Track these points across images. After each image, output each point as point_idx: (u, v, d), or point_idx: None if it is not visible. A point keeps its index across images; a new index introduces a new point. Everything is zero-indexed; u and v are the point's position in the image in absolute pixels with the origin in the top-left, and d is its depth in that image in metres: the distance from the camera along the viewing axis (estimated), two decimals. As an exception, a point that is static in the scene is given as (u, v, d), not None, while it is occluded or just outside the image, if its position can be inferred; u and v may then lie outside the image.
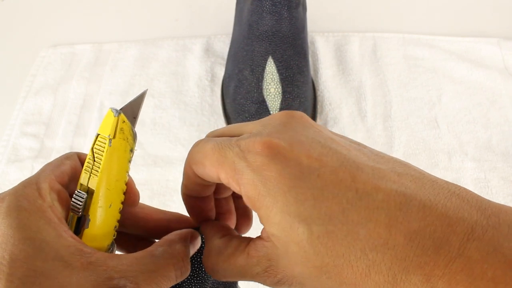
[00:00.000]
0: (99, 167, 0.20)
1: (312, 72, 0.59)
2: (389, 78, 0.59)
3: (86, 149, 0.54)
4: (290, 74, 0.50)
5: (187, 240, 0.23)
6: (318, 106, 0.57)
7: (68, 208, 0.20)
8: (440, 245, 0.14)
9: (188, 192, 0.24)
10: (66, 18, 0.71)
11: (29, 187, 0.19)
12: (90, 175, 0.21)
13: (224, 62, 0.59)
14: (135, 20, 0.70)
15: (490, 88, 0.58)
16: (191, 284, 0.24)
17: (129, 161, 0.23)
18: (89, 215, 0.20)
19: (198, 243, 0.24)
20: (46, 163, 0.21)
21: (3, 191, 0.55)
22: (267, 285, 0.20)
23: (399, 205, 0.15)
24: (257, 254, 0.20)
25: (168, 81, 0.60)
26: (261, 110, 0.49)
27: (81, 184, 0.21)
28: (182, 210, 0.26)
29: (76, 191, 0.20)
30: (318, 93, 0.58)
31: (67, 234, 0.19)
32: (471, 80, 0.59)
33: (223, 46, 0.63)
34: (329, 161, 0.17)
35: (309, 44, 0.58)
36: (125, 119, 0.22)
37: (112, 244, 0.22)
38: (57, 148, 0.55)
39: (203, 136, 0.61)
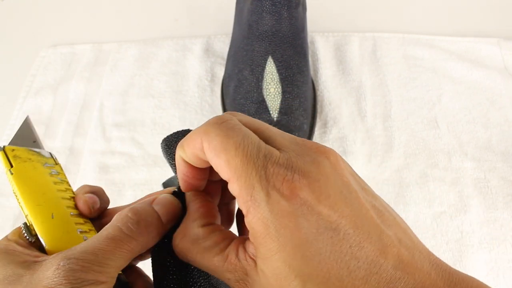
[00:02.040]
0: (18, 195, 0.22)
1: (312, 72, 0.59)
2: (389, 78, 0.59)
3: (86, 149, 0.54)
4: (290, 74, 0.50)
5: (146, 201, 0.22)
6: (318, 106, 0.57)
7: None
8: None
9: (185, 157, 0.21)
10: (66, 18, 0.71)
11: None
12: (21, 206, 0.22)
13: (224, 62, 0.59)
14: (135, 20, 0.70)
15: (490, 88, 0.58)
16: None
17: (54, 173, 0.24)
18: (39, 235, 0.22)
19: (170, 204, 0.22)
20: None
21: (3, 191, 0.55)
22: None
23: (392, 278, 0.17)
24: (236, 263, 0.19)
25: (168, 81, 0.60)
26: (261, 110, 0.49)
27: (25, 216, 0.22)
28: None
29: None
30: (318, 93, 0.58)
31: (29, 255, 0.20)
32: (471, 80, 0.59)
33: (223, 46, 0.64)
34: (347, 223, 0.17)
35: (309, 44, 0.58)
36: (14, 147, 0.24)
37: None
38: (57, 148, 0.55)
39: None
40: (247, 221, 0.18)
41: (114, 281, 0.20)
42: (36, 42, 0.67)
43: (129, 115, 0.57)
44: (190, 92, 0.59)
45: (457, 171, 0.51)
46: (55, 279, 0.18)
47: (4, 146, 0.23)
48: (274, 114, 0.49)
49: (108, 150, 0.54)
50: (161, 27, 0.69)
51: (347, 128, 0.55)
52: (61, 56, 0.65)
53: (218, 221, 0.22)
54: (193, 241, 0.21)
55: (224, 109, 0.55)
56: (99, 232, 0.21)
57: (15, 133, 0.25)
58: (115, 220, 0.21)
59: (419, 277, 0.17)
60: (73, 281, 0.18)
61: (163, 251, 0.22)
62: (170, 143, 0.24)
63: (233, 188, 0.18)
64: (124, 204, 0.53)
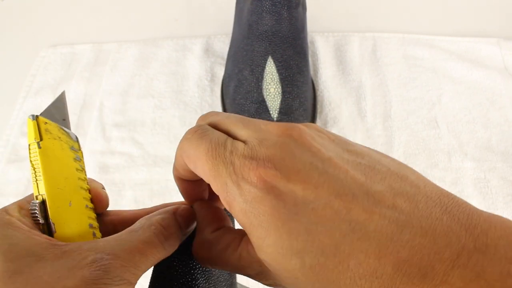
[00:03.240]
0: (40, 172, 0.20)
1: (312, 72, 0.59)
2: (389, 78, 0.59)
3: (86, 149, 0.54)
4: (290, 74, 0.50)
5: (169, 211, 0.23)
6: (318, 106, 0.57)
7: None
8: (426, 273, 0.15)
9: (179, 175, 0.23)
10: (66, 18, 0.71)
11: None
12: (37, 183, 0.21)
13: (224, 62, 0.59)
14: (135, 20, 0.70)
15: (490, 88, 0.58)
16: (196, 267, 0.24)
17: (77, 159, 0.23)
18: (51, 220, 0.20)
19: (190, 215, 0.23)
20: None
21: (3, 191, 0.55)
22: (262, 283, 0.20)
23: (390, 234, 0.16)
24: (249, 258, 0.19)
25: (168, 81, 0.60)
26: (261, 110, 0.49)
27: (36, 196, 0.21)
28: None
29: (31, 203, 0.20)
30: (318, 93, 0.58)
31: (39, 236, 0.19)
32: (471, 80, 0.59)
33: (223, 46, 0.64)
34: (325, 192, 0.17)
35: (309, 44, 0.58)
36: (47, 120, 0.22)
37: None
38: (57, 148, 0.55)
39: (203, 136, 0.60)
40: (234, 216, 0.19)
41: (137, 282, 0.20)
42: (36, 42, 0.67)
43: (129, 115, 0.57)
44: (190, 92, 0.59)
45: (457, 171, 0.51)
46: (94, 272, 0.18)
47: (37, 116, 0.22)
48: (274, 114, 0.49)
49: (108, 150, 0.54)
50: (161, 27, 0.69)
51: (347, 128, 0.55)
52: (61, 56, 0.65)
53: (229, 222, 0.23)
54: (208, 248, 0.21)
55: (224, 109, 0.55)
56: (127, 234, 0.20)
57: (48, 105, 0.23)
58: (147, 226, 0.21)
59: (427, 224, 0.16)
60: (113, 277, 0.18)
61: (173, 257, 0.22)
62: None
63: (214, 190, 0.19)
64: (124, 204, 0.53)
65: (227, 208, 0.19)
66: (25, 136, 0.56)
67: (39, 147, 0.21)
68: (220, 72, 0.60)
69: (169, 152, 0.53)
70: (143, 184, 0.51)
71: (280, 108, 0.49)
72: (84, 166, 0.23)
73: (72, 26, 0.70)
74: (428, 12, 0.69)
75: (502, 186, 0.50)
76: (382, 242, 0.16)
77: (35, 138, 0.21)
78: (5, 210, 0.20)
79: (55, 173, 0.21)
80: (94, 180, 0.25)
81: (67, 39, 0.68)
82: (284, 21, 0.50)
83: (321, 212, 0.17)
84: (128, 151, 0.54)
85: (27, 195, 0.22)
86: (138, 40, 0.66)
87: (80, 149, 0.23)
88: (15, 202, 0.21)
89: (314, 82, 0.59)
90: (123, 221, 0.24)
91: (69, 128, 0.24)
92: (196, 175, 0.21)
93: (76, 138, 0.24)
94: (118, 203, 0.50)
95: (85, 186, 0.23)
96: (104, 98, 0.59)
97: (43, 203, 0.20)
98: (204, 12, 0.70)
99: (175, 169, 0.23)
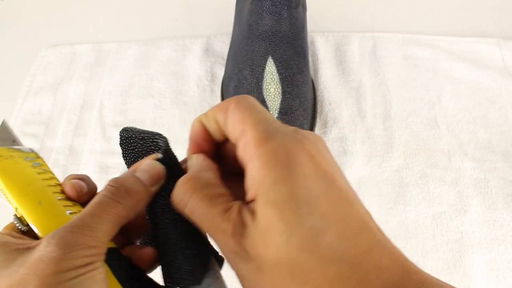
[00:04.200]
0: (5, 190, 0.23)
1: (312, 72, 0.59)
2: (389, 78, 0.59)
3: (86, 149, 0.54)
4: (290, 74, 0.50)
5: (129, 169, 0.24)
6: (318, 106, 0.57)
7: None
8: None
9: (205, 122, 0.24)
10: (66, 18, 0.71)
11: None
12: (8, 200, 0.23)
13: (224, 62, 0.59)
14: (135, 20, 0.70)
15: (490, 88, 0.58)
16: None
17: (36, 165, 0.25)
18: (31, 224, 0.22)
19: (153, 169, 0.24)
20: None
21: (3, 191, 0.54)
22: (222, 245, 0.20)
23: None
24: (237, 215, 0.20)
25: (168, 81, 0.60)
26: (261, 110, 0.49)
27: (15, 209, 0.23)
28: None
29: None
30: (318, 93, 0.58)
31: (22, 243, 0.21)
32: (471, 80, 0.59)
33: (223, 46, 0.64)
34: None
35: (309, 44, 0.58)
36: None
37: None
38: (57, 148, 0.55)
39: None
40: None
41: (105, 247, 0.20)
42: (36, 42, 0.67)
43: (129, 115, 0.57)
44: (190, 92, 0.59)
45: (457, 171, 0.51)
46: (47, 249, 0.18)
47: None
48: (274, 114, 0.49)
49: (108, 150, 0.54)
50: (161, 27, 0.69)
51: (347, 128, 0.55)
52: (61, 56, 0.65)
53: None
54: (204, 185, 0.21)
55: (224, 109, 0.55)
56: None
57: None
58: (103, 189, 0.22)
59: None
60: (64, 247, 0.18)
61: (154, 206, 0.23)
62: (133, 139, 0.25)
63: (247, 136, 0.20)
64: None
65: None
66: (26, 136, 0.56)
67: None
68: (220, 72, 0.60)
69: (169, 152, 0.53)
70: (143, 184, 0.51)
71: (280, 108, 0.49)
72: (48, 168, 0.26)
73: (72, 26, 0.70)
74: (428, 12, 0.69)
75: (502, 186, 0.50)
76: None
77: None
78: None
79: (17, 184, 0.23)
80: (71, 174, 0.26)
81: (67, 39, 0.68)
82: (284, 21, 0.50)
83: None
84: (128, 151, 0.54)
85: None
86: (138, 40, 0.66)
87: (38, 157, 0.26)
88: (8, 223, 0.23)
89: (314, 82, 0.59)
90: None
91: (21, 144, 0.27)
92: (221, 135, 0.23)
93: (31, 149, 0.27)
94: (118, 203, 0.50)
95: (54, 183, 0.25)
96: (104, 98, 0.59)
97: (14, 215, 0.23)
98: (204, 12, 0.70)
99: (205, 116, 0.23)
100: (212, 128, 0.23)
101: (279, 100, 0.49)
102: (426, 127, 0.55)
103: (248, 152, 0.20)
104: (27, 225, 0.22)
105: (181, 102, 0.58)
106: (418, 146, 0.53)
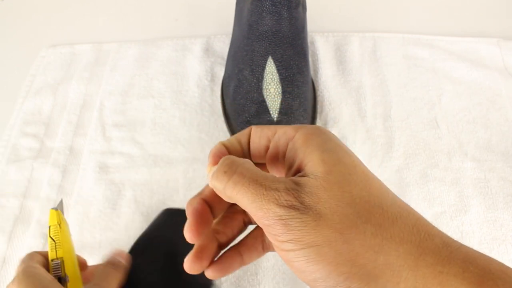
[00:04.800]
0: (60, 244, 0.31)
1: (312, 72, 0.59)
2: (389, 78, 0.59)
3: (86, 149, 0.54)
4: (290, 74, 0.50)
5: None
6: (318, 106, 0.57)
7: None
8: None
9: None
10: (66, 18, 0.71)
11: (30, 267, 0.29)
12: (55, 250, 0.30)
13: (224, 62, 0.59)
14: (135, 20, 0.70)
15: (490, 88, 0.58)
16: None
17: (70, 233, 0.33)
18: (66, 275, 0.30)
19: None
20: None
21: (3, 191, 0.55)
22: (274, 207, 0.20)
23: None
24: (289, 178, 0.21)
25: (168, 81, 0.60)
26: (261, 110, 0.49)
27: (52, 260, 0.30)
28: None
29: (53, 262, 0.30)
30: (318, 93, 0.58)
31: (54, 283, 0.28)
32: (471, 80, 0.59)
33: (223, 46, 0.63)
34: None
35: (309, 44, 0.58)
36: (61, 213, 0.33)
37: None
38: (57, 148, 0.55)
39: (203, 136, 0.61)
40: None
41: None
42: (36, 42, 0.67)
43: (129, 115, 0.57)
44: (190, 92, 0.59)
45: (457, 171, 0.51)
46: None
47: (57, 208, 0.33)
48: (274, 115, 0.49)
49: (108, 150, 0.54)
50: (161, 27, 0.69)
51: (347, 128, 0.55)
52: (61, 56, 0.65)
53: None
54: (246, 161, 0.22)
55: (224, 109, 0.55)
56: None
57: (57, 204, 0.34)
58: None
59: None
60: None
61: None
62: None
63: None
64: (124, 204, 0.53)
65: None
66: (26, 136, 0.56)
67: (60, 227, 0.31)
68: (220, 72, 0.60)
69: (169, 152, 0.53)
70: (143, 184, 0.51)
71: (280, 108, 0.49)
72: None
73: (72, 26, 0.70)
74: (428, 12, 0.69)
75: (502, 186, 0.50)
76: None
77: (57, 222, 0.31)
78: (30, 263, 0.29)
79: (68, 244, 0.31)
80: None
81: (67, 39, 0.68)
82: (284, 21, 0.50)
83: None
84: (128, 151, 0.54)
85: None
86: (138, 40, 0.66)
87: (67, 223, 0.33)
88: (31, 255, 0.30)
89: (314, 82, 0.59)
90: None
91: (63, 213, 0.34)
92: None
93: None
94: (118, 203, 0.50)
95: (74, 249, 0.32)
96: (104, 98, 0.59)
97: (60, 263, 0.30)
98: (204, 12, 0.70)
99: (229, 141, 0.25)
100: (234, 147, 0.25)
101: (279, 100, 0.49)
102: (426, 127, 0.55)
103: (296, 144, 0.22)
104: (64, 275, 0.29)
105: (181, 102, 0.58)
106: (418, 146, 0.53)
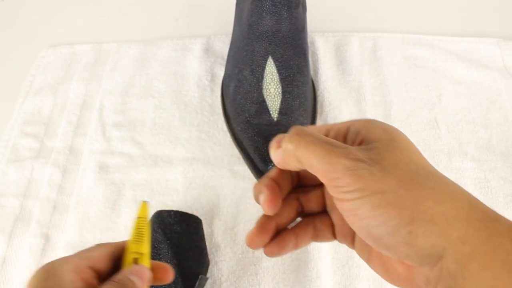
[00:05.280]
0: (147, 237, 0.28)
1: (312, 72, 0.59)
2: (389, 78, 0.59)
3: (86, 149, 0.54)
4: (290, 74, 0.50)
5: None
6: (318, 106, 0.57)
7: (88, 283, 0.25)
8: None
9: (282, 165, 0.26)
10: (66, 18, 0.71)
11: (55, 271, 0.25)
12: (141, 244, 0.28)
13: (224, 62, 0.59)
14: (135, 20, 0.70)
15: (490, 88, 0.58)
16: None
17: None
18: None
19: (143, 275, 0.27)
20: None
21: (3, 191, 0.55)
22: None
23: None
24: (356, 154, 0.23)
25: (168, 81, 0.60)
26: (261, 110, 0.49)
27: (135, 252, 0.27)
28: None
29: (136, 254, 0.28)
30: (318, 93, 0.58)
31: None
32: (471, 80, 0.59)
33: (223, 46, 0.64)
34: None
35: (309, 44, 0.58)
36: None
37: None
38: (57, 148, 0.55)
39: (203, 136, 0.61)
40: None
41: None
42: (36, 42, 0.67)
43: (129, 115, 0.57)
44: (190, 92, 0.59)
45: (457, 171, 0.51)
46: None
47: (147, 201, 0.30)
48: (274, 115, 0.49)
49: (108, 150, 0.54)
50: (161, 27, 0.69)
51: (347, 128, 0.55)
52: (61, 56, 0.65)
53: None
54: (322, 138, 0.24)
55: (224, 109, 0.55)
56: None
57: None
58: None
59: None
60: None
61: None
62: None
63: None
64: (124, 204, 0.53)
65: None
66: (26, 136, 0.56)
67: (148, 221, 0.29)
68: (220, 72, 0.60)
69: (169, 152, 0.53)
70: (143, 184, 0.51)
71: (280, 108, 0.49)
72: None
73: (72, 26, 0.70)
74: (428, 12, 0.69)
75: (502, 186, 0.50)
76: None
77: (147, 214, 0.29)
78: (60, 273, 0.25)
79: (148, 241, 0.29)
80: None
81: (67, 39, 0.68)
82: (284, 21, 0.50)
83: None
84: (128, 151, 0.54)
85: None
86: (138, 40, 0.66)
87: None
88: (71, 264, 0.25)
89: (314, 82, 0.59)
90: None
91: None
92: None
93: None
94: (118, 203, 0.50)
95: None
96: (104, 98, 0.59)
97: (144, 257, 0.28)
98: (204, 12, 0.70)
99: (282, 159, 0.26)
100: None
101: (279, 100, 0.49)
102: (426, 127, 0.55)
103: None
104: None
105: (181, 102, 0.58)
106: (418, 146, 0.52)
